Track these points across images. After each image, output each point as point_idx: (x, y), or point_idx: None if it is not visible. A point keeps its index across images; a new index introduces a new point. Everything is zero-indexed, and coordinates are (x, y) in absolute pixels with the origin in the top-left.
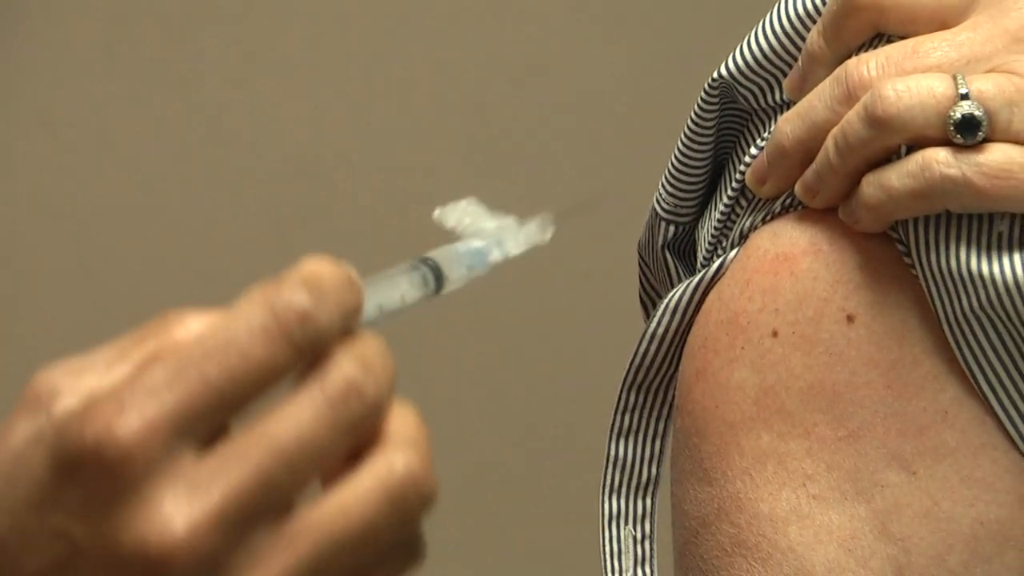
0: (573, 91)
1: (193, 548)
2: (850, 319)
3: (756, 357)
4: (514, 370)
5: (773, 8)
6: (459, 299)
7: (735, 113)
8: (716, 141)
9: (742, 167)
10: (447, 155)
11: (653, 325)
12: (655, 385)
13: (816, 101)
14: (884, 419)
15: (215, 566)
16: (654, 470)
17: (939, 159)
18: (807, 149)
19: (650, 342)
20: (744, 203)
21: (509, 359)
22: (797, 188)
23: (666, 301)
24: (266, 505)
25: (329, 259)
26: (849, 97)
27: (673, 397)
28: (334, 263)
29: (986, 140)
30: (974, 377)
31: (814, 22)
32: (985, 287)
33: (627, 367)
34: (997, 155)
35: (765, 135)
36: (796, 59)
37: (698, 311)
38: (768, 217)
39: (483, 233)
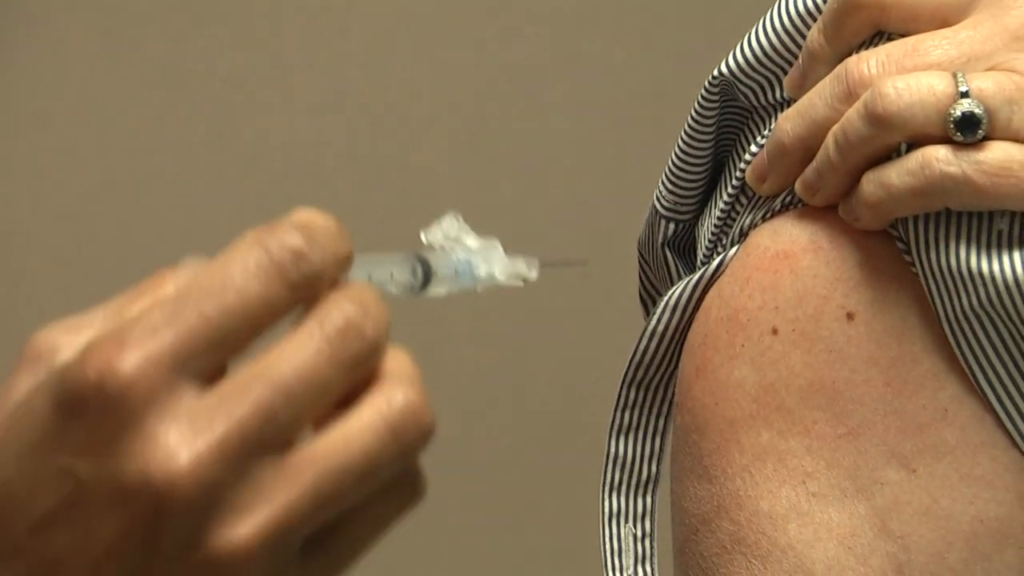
0: (572, 89)
1: (196, 478)
2: (850, 317)
3: (756, 354)
4: (514, 368)
5: (774, 6)
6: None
7: (735, 111)
8: (716, 139)
9: (742, 165)
10: (439, 166)
11: (653, 322)
12: (655, 382)
13: (816, 99)
14: (884, 417)
15: (218, 497)
16: (654, 468)
17: (939, 157)
18: (807, 147)
19: (650, 339)
20: (744, 201)
21: (509, 357)
22: (797, 186)
23: (666, 298)
24: (268, 438)
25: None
26: (849, 95)
27: (673, 395)
28: (325, 213)
29: (986, 138)
30: (974, 375)
31: (815, 20)
32: (985, 285)
33: (627, 364)
34: (997, 153)
35: (765, 133)
36: (797, 57)
37: (698, 309)
38: (768, 215)
39: (466, 249)
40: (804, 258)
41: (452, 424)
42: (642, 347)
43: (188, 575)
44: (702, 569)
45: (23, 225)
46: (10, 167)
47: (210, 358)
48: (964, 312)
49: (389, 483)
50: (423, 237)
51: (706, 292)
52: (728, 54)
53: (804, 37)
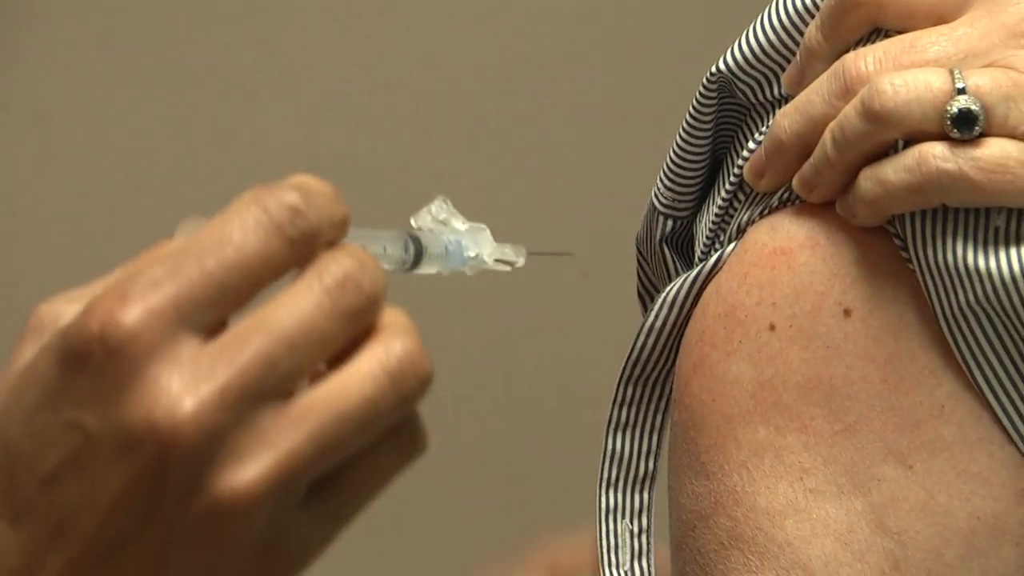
0: (570, 85)
1: (199, 425)
2: (847, 313)
3: (753, 351)
4: (513, 366)
5: (771, 3)
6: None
7: (733, 107)
8: (714, 135)
9: (740, 161)
10: (429, 157)
11: (651, 319)
12: (652, 379)
13: (814, 96)
14: (881, 413)
15: (221, 443)
16: (651, 464)
17: (935, 153)
18: (805, 143)
19: (647, 336)
20: (742, 197)
21: (507, 356)
22: (795, 182)
23: (663, 295)
24: (269, 386)
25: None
26: (846, 92)
27: (671, 391)
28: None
29: (983, 135)
30: (971, 372)
31: (812, 17)
32: (982, 282)
33: (624, 361)
34: (993, 149)
35: (763, 129)
36: (794, 53)
37: (696, 305)
38: (766, 211)
39: (454, 232)
40: (801, 254)
41: (450, 423)
42: (640, 343)
43: (194, 521)
44: (699, 565)
45: (23, 225)
46: (10, 167)
47: (210, 312)
48: (961, 308)
49: (390, 432)
50: (412, 222)
51: (704, 288)
52: (726, 50)
53: (802, 34)
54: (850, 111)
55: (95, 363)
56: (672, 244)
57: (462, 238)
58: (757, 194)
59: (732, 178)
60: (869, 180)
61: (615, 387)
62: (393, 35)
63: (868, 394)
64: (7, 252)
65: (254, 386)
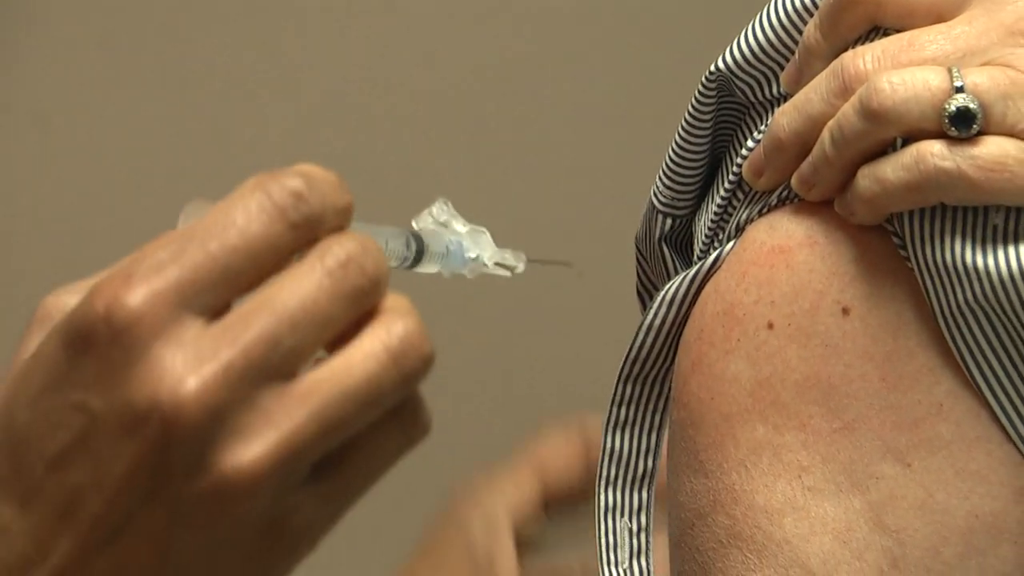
0: (567, 84)
1: (203, 403)
2: (845, 312)
3: (752, 349)
4: (511, 364)
5: (770, 1)
6: (456, 293)
7: (732, 106)
8: (713, 134)
9: (739, 160)
10: (430, 161)
11: (650, 317)
12: (652, 377)
13: (812, 94)
14: (879, 411)
15: (224, 421)
16: (650, 463)
17: (933, 152)
18: (803, 142)
19: (646, 334)
20: (741, 196)
21: (505, 353)
22: (793, 181)
23: (662, 293)
24: (273, 365)
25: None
26: (845, 90)
27: (670, 389)
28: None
29: (981, 133)
30: (969, 370)
31: (811, 15)
32: (980, 280)
33: (623, 359)
34: (991, 148)
35: (762, 128)
36: (793, 52)
37: (694, 303)
38: (765, 209)
39: (455, 234)
40: (800, 253)
41: (449, 422)
42: (639, 342)
43: (198, 499)
44: (698, 563)
45: (23, 225)
46: (10, 167)
47: (214, 294)
48: (959, 307)
49: (392, 413)
50: (413, 224)
51: (703, 287)
52: (725, 49)
53: (801, 32)
54: (848, 109)
55: (100, 344)
56: (671, 242)
57: (463, 239)
58: (756, 192)
59: (731, 176)
60: (867, 178)
61: (614, 385)
62: (392, 35)
63: (866, 392)
64: (7, 252)
65: (257, 365)
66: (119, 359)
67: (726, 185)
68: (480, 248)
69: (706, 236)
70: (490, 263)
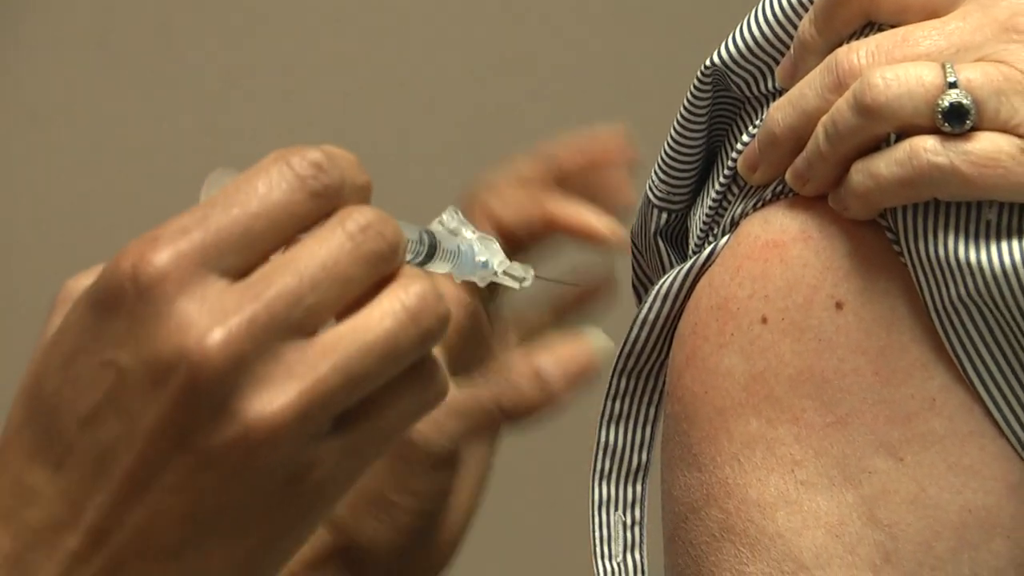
0: (564, 80)
1: (229, 353)
2: (839, 306)
3: (745, 343)
4: None
5: None
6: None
7: (728, 101)
8: (709, 129)
9: (734, 154)
10: (438, 168)
11: (644, 311)
12: (646, 371)
13: (807, 89)
14: (872, 406)
15: (249, 371)
16: (644, 456)
17: (927, 147)
18: (798, 137)
19: (641, 328)
20: (736, 190)
21: None
22: (788, 175)
23: (657, 287)
24: (295, 321)
25: None
26: (839, 85)
27: (664, 383)
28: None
29: (974, 129)
30: (962, 365)
31: (806, 10)
32: (973, 275)
33: (618, 353)
34: (985, 144)
35: (757, 123)
36: (788, 47)
37: (689, 297)
38: (759, 204)
39: (465, 241)
40: (794, 247)
41: None
42: (633, 336)
43: (225, 447)
44: (691, 557)
45: (22, 225)
46: (9, 167)
47: (237, 257)
48: (952, 302)
49: (411, 371)
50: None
51: (697, 281)
52: (720, 44)
53: (796, 28)
54: (842, 105)
55: (127, 302)
56: (667, 237)
57: (473, 244)
58: (751, 187)
59: (726, 171)
60: (861, 173)
61: (608, 379)
62: (392, 36)
63: (860, 387)
64: (7, 252)
65: (280, 319)
66: (146, 314)
67: (721, 180)
68: (490, 254)
69: (701, 230)
70: (499, 270)
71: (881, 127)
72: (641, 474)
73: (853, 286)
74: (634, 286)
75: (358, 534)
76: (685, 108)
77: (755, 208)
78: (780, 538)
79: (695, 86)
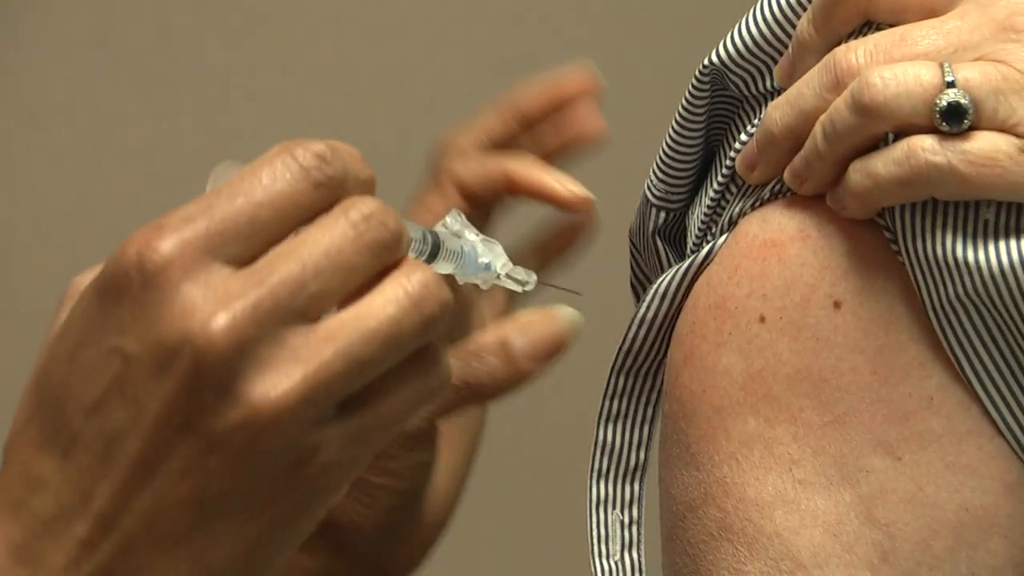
0: None
1: (233, 337)
2: (837, 305)
3: (743, 342)
4: None
5: None
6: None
7: (726, 100)
8: (707, 127)
9: (732, 153)
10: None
11: (642, 310)
12: (644, 370)
13: (805, 88)
14: (870, 405)
15: (253, 355)
16: (642, 455)
17: (925, 146)
18: (796, 136)
19: (639, 327)
20: (734, 189)
21: None
22: (786, 175)
23: (655, 286)
24: (298, 307)
25: None
26: (837, 84)
27: (662, 382)
28: None
29: (972, 128)
30: (959, 364)
31: (804, 9)
32: (971, 274)
33: (616, 352)
34: (983, 143)
35: (755, 122)
36: (787, 46)
37: (687, 296)
38: (757, 203)
39: (468, 244)
40: (792, 246)
41: None
42: (631, 335)
43: (230, 430)
44: (689, 556)
45: (22, 225)
46: (9, 167)
47: (241, 245)
48: (950, 301)
49: (413, 360)
50: None
51: (695, 280)
52: (719, 43)
53: (794, 27)
54: (840, 104)
55: (132, 289)
56: (665, 236)
57: (476, 246)
58: (749, 186)
59: (724, 170)
60: (859, 173)
61: (607, 378)
62: (392, 36)
63: (857, 386)
64: (7, 252)
65: (284, 305)
66: (150, 301)
67: (719, 179)
68: (493, 257)
69: (699, 229)
70: (502, 273)
71: (879, 126)
72: (639, 473)
73: (851, 285)
74: (632, 285)
75: (341, 516)
76: (683, 107)
77: (753, 207)
78: (778, 537)
79: (693, 85)
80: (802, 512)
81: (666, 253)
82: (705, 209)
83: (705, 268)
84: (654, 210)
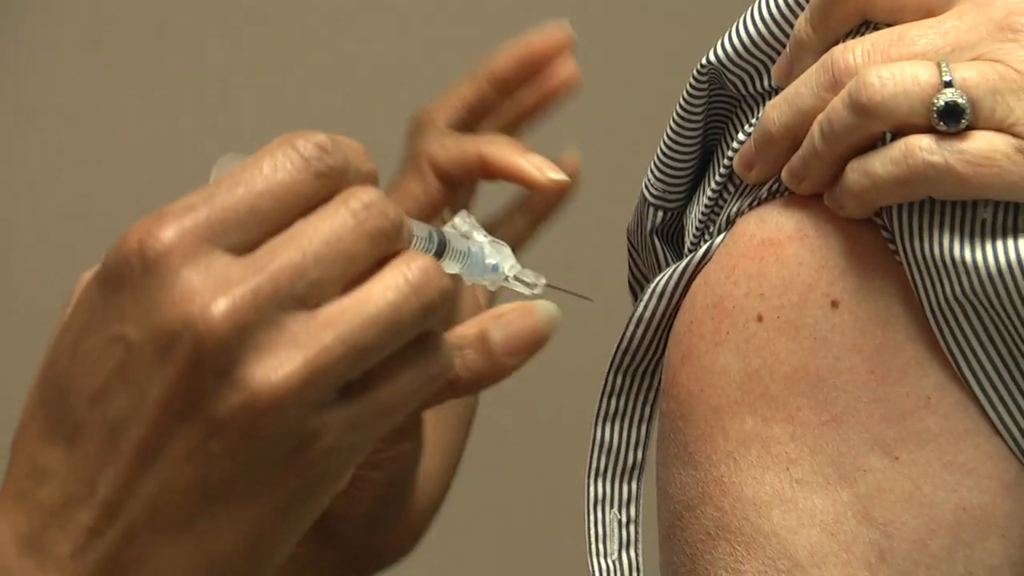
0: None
1: (234, 321)
2: (835, 304)
3: (741, 341)
4: None
5: None
6: None
7: (724, 99)
8: (705, 127)
9: (730, 153)
10: None
11: (640, 309)
12: (642, 369)
13: (803, 88)
14: (867, 404)
15: (254, 340)
16: (640, 454)
17: (922, 146)
18: (794, 135)
19: (637, 326)
20: (732, 188)
21: None
22: (783, 174)
23: (653, 285)
24: (298, 293)
25: None
26: (835, 84)
27: (659, 381)
28: None
29: (969, 128)
30: (957, 363)
31: (803, 9)
32: (968, 274)
33: (614, 351)
34: (980, 143)
35: (753, 121)
36: (784, 46)
37: (685, 296)
38: (755, 202)
39: (476, 244)
40: (790, 246)
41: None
42: (629, 334)
43: (231, 414)
44: (687, 555)
45: (22, 225)
46: (9, 166)
47: (242, 233)
48: (947, 300)
49: (414, 346)
50: None
51: (693, 279)
52: (716, 43)
53: (792, 26)
54: (838, 103)
55: (134, 276)
56: (663, 235)
57: (484, 247)
58: (747, 185)
59: (722, 169)
60: (856, 172)
61: (604, 377)
62: (392, 35)
63: (855, 385)
64: (7, 252)
65: (283, 292)
66: (151, 287)
67: (717, 178)
68: (501, 258)
69: (697, 229)
70: (510, 275)
71: (877, 126)
72: (636, 472)
73: (849, 284)
74: (630, 284)
75: (330, 507)
76: (681, 106)
77: (751, 206)
78: (775, 536)
79: (691, 84)
80: (799, 511)
81: (664, 252)
82: (703, 208)
83: (703, 267)
84: (652, 209)
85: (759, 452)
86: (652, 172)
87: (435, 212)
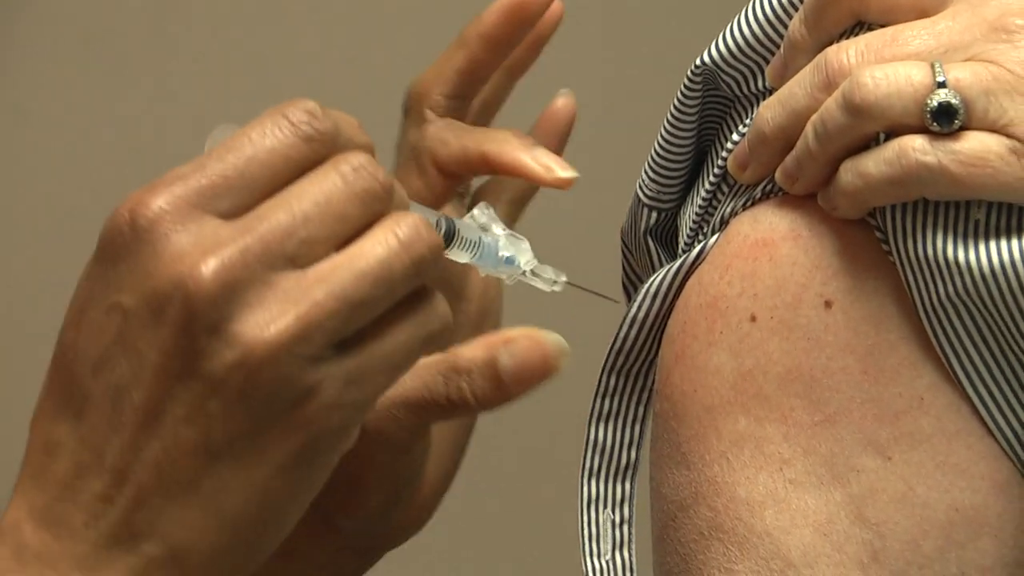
0: (559, 78)
1: (224, 279)
2: (828, 305)
3: (734, 341)
4: None
5: None
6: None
7: (718, 99)
8: (699, 127)
9: (724, 153)
10: None
11: (634, 309)
12: (635, 369)
13: (796, 88)
14: (860, 404)
15: (244, 297)
16: (634, 454)
17: (915, 146)
18: (787, 136)
19: (630, 326)
20: (725, 189)
21: None
22: (777, 174)
23: (647, 286)
24: (288, 252)
25: None
26: (829, 84)
27: (653, 382)
28: None
29: (963, 128)
30: (950, 364)
31: (796, 10)
32: (961, 275)
33: (608, 351)
34: (973, 143)
35: (747, 121)
36: (778, 46)
37: (679, 296)
38: (749, 203)
39: (493, 237)
40: (783, 246)
41: None
42: (623, 334)
43: (228, 370)
44: (680, 555)
45: (22, 224)
46: (8, 166)
47: (232, 199)
48: (941, 301)
49: (407, 303)
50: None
51: (687, 280)
52: (711, 43)
53: (786, 27)
54: (831, 104)
55: (127, 245)
56: (656, 236)
57: (500, 240)
58: (740, 186)
59: (716, 170)
60: (850, 173)
61: (598, 377)
62: (392, 35)
63: (848, 385)
64: (7, 252)
65: (274, 251)
66: (144, 253)
67: (711, 179)
68: (517, 252)
69: (691, 229)
70: (527, 269)
71: (870, 126)
72: (630, 472)
73: (842, 285)
74: (624, 284)
75: (333, 506)
76: (675, 107)
77: (745, 207)
78: (768, 536)
79: (685, 85)
80: (792, 511)
81: (657, 253)
82: (696, 209)
83: (696, 268)
84: (646, 210)
85: (752, 452)
86: (646, 173)
87: (437, 206)
